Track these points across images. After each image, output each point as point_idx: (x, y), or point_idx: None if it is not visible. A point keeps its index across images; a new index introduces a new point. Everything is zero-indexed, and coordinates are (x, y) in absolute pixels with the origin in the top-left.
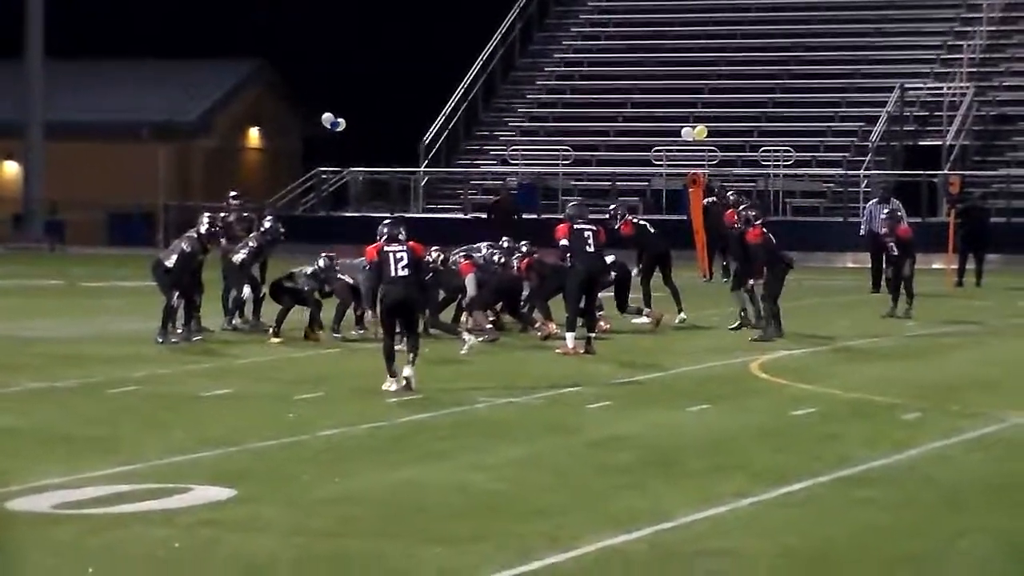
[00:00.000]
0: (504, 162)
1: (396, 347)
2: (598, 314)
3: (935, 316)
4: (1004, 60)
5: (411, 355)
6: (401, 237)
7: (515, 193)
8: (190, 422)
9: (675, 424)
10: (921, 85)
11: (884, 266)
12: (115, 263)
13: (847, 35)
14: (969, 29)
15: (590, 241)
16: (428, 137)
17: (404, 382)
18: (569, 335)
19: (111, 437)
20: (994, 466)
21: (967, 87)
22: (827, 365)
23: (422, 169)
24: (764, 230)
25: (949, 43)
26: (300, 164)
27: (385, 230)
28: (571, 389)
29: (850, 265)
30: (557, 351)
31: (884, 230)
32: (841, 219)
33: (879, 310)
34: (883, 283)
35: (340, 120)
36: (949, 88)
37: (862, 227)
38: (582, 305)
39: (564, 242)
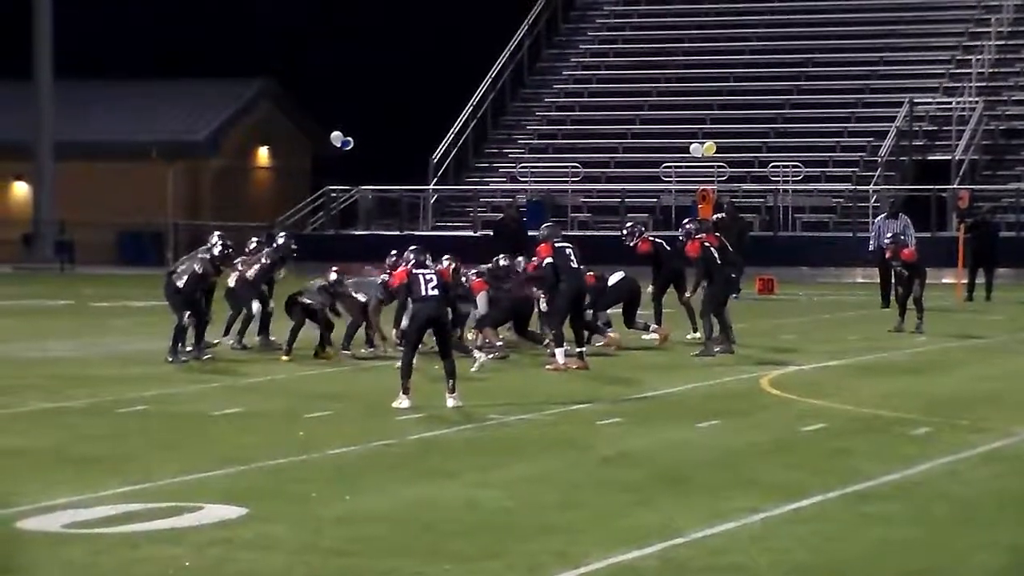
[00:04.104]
0: (513, 179)
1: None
2: (608, 331)
3: (945, 331)
4: (1013, 75)
5: (450, 381)
6: (428, 263)
7: (523, 210)
8: (200, 441)
9: (685, 440)
10: (930, 100)
11: (893, 282)
12: (125, 283)
13: (856, 51)
14: (978, 44)
15: (573, 258)
16: (437, 155)
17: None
18: (559, 351)
19: (121, 456)
20: (1004, 481)
21: (976, 102)
22: (837, 380)
23: (431, 187)
24: (705, 244)
25: (958, 58)
26: (309, 183)
27: (412, 256)
28: (581, 406)
29: (860, 280)
30: (547, 367)
31: (888, 255)
32: (851, 234)
33: (889, 325)
34: (893, 298)
35: (349, 139)
36: (958, 103)
37: (871, 243)
38: (570, 320)
39: (549, 260)
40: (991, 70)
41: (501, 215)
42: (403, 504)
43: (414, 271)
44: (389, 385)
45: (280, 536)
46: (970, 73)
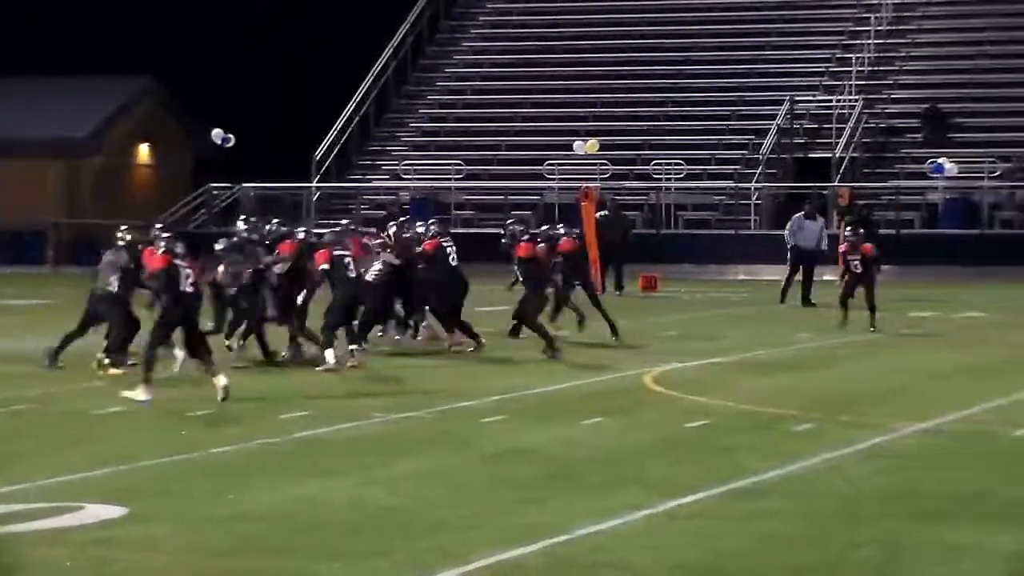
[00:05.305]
0: (397, 177)
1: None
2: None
3: (828, 327)
4: (892, 73)
5: (212, 377)
6: (180, 252)
7: (407, 208)
8: (82, 440)
9: (570, 437)
10: (811, 98)
11: (846, 279)
12: (5, 282)
13: (737, 48)
14: (857, 43)
15: (351, 267)
16: (320, 152)
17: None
18: (328, 352)
19: (2, 456)
20: (887, 476)
21: (856, 100)
22: (720, 377)
23: (314, 184)
24: (534, 246)
25: (838, 56)
26: (191, 180)
27: (163, 244)
28: (465, 403)
29: (742, 277)
30: (317, 369)
31: (845, 248)
32: (733, 231)
33: (770, 322)
34: (788, 295)
35: (230, 136)
36: (838, 101)
37: (788, 239)
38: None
39: (325, 266)
40: (871, 68)
41: (384, 213)
42: (288, 502)
43: (176, 262)
44: (275, 383)
45: (162, 536)
46: (850, 71)
